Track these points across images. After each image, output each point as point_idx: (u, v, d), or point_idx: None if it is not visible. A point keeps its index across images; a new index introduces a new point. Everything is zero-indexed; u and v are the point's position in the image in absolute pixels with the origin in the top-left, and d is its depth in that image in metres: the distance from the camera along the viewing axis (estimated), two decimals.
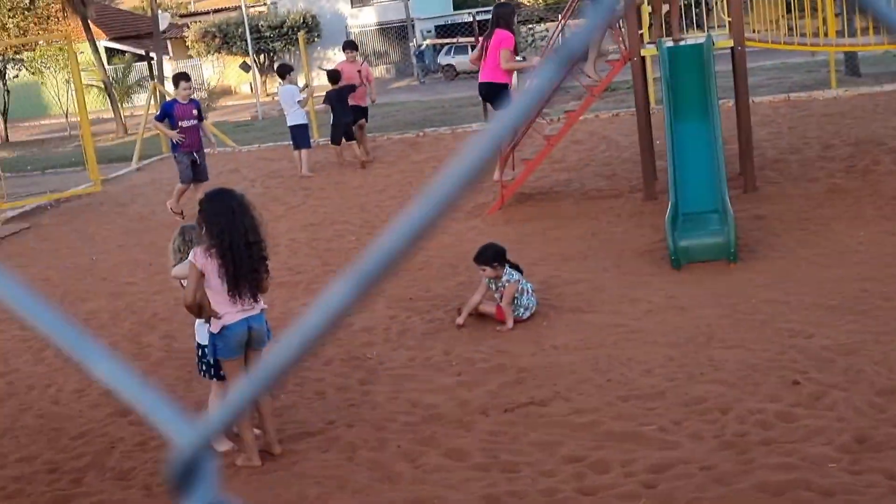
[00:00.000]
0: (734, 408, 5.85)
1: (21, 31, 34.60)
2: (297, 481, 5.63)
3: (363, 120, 16.82)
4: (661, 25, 12.26)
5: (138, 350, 8.41)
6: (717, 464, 5.20)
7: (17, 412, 7.32)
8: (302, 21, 44.11)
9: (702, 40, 11.13)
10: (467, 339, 7.76)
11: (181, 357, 7.84)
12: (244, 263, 5.64)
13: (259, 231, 5.74)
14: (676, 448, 5.46)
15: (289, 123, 16.80)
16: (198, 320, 6.05)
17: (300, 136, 16.66)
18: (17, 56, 36.69)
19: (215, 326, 5.77)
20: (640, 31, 11.87)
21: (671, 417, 5.85)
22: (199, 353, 6.18)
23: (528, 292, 8.00)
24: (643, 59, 11.45)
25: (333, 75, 16.50)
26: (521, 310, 7.94)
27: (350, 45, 17.43)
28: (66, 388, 7.69)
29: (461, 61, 38.87)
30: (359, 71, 16.99)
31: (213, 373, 6.14)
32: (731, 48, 11.17)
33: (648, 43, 11.98)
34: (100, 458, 6.29)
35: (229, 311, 5.74)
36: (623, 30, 11.63)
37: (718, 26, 11.63)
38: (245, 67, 35.50)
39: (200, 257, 5.66)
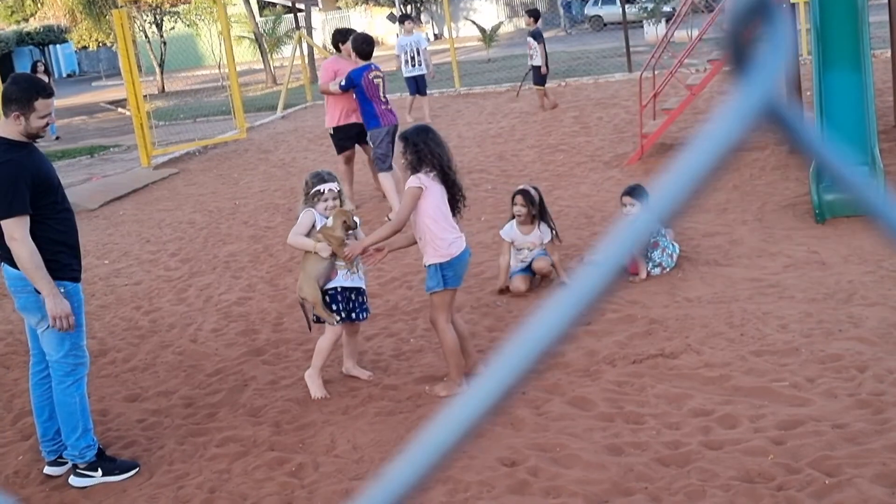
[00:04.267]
0: (871, 366, 5.63)
1: None
2: (421, 424, 5.67)
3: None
4: None
5: (275, 292, 8.62)
6: (850, 422, 5.02)
7: (158, 349, 7.59)
8: None
9: None
10: None
11: None
12: (458, 184, 6.01)
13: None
14: (808, 405, 5.29)
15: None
16: None
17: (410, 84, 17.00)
18: (174, 8, 37.74)
19: (442, 257, 5.90)
20: None
21: (805, 374, 5.66)
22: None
23: (664, 250, 7.81)
24: (793, 6, 11.00)
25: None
26: (652, 265, 7.78)
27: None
28: (204, 327, 7.94)
29: (609, 12, 38.27)
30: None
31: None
32: None
33: None
34: (233, 395, 6.47)
35: (454, 242, 5.93)
36: None
37: None
38: (392, 18, 35.72)
39: (426, 179, 5.89)
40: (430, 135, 5.99)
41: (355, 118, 10.95)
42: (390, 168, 10.55)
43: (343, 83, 10.61)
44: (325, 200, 6.19)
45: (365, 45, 10.85)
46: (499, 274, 7.97)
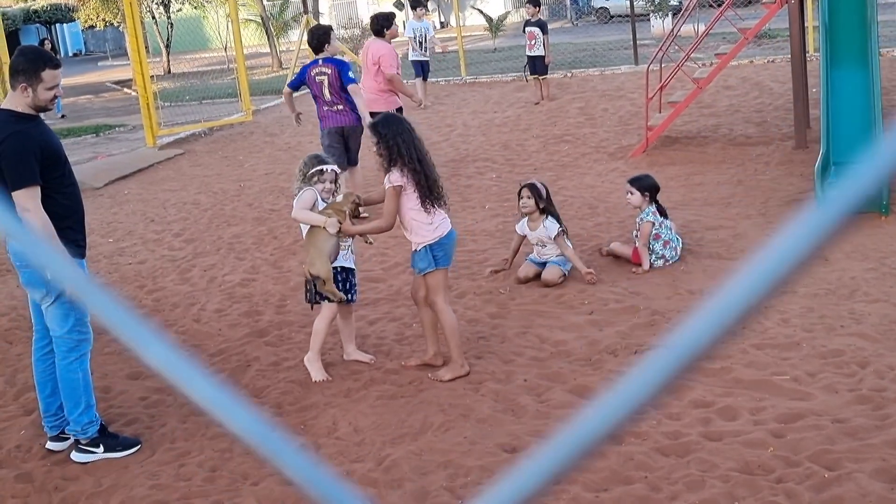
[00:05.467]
0: (873, 362, 5.65)
1: None
2: (422, 408, 5.70)
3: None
4: None
5: (279, 274, 8.63)
6: (850, 417, 5.05)
7: (161, 328, 7.61)
8: None
9: None
10: (603, 279, 7.68)
11: None
12: (431, 173, 5.95)
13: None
14: (808, 399, 5.32)
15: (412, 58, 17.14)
16: None
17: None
18: None
19: (430, 239, 5.95)
20: None
21: (805, 368, 5.69)
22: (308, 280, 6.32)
23: (667, 243, 7.80)
24: (801, 2, 11.00)
25: None
26: (655, 257, 7.79)
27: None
28: (207, 307, 7.97)
29: (616, 4, 38.20)
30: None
31: (322, 296, 6.26)
32: None
33: None
34: (235, 376, 6.50)
35: (440, 224, 5.98)
36: None
37: None
38: (399, 5, 35.66)
39: (399, 177, 5.85)
40: (399, 127, 5.94)
41: (376, 106, 10.37)
42: None
43: (292, 81, 10.29)
44: (324, 182, 6.21)
45: (312, 39, 10.15)
46: (508, 257, 8.00)
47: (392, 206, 5.92)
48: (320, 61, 9.97)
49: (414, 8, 17.59)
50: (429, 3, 47.24)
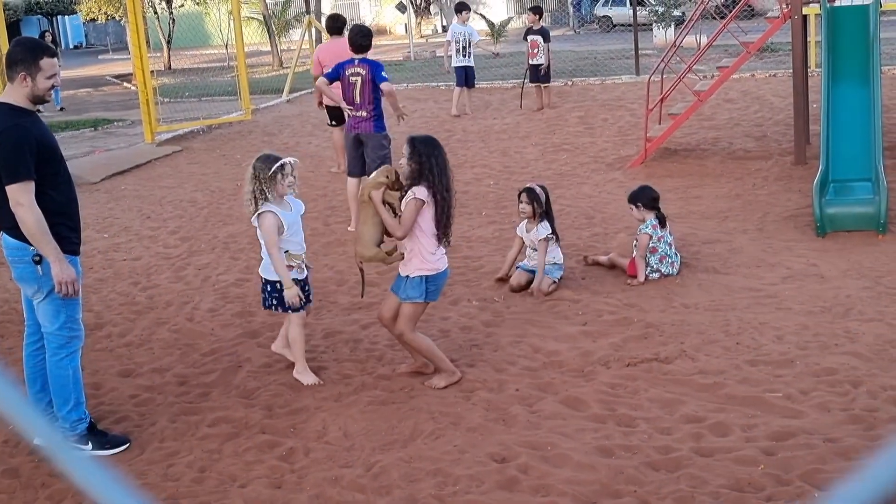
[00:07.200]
0: (866, 382, 5.64)
1: None
2: (413, 415, 5.68)
3: None
4: None
5: None
6: (842, 437, 5.03)
7: (154, 325, 7.58)
8: None
9: (868, 1, 10.62)
10: (597, 289, 7.67)
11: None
12: (451, 209, 5.93)
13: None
14: (801, 417, 5.30)
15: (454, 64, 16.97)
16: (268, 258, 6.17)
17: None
18: None
19: (429, 270, 5.93)
20: None
21: (799, 386, 5.67)
22: (267, 288, 6.28)
23: (664, 258, 7.78)
24: (804, 17, 11.00)
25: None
26: (651, 271, 7.76)
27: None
28: (201, 306, 7.94)
29: (618, 13, 38.22)
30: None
31: (285, 307, 6.22)
32: None
33: (811, 2, 11.50)
34: (227, 376, 6.47)
35: (441, 258, 5.98)
36: None
37: None
38: (401, 8, 35.63)
39: (424, 194, 5.81)
40: (436, 151, 5.89)
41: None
42: (350, 174, 9.83)
43: (328, 73, 9.74)
44: (287, 176, 6.14)
45: (361, 38, 9.67)
46: (502, 266, 8.01)
47: (410, 217, 5.85)
48: (356, 61, 9.55)
49: (458, 12, 17.43)
50: (431, 7, 47.23)
